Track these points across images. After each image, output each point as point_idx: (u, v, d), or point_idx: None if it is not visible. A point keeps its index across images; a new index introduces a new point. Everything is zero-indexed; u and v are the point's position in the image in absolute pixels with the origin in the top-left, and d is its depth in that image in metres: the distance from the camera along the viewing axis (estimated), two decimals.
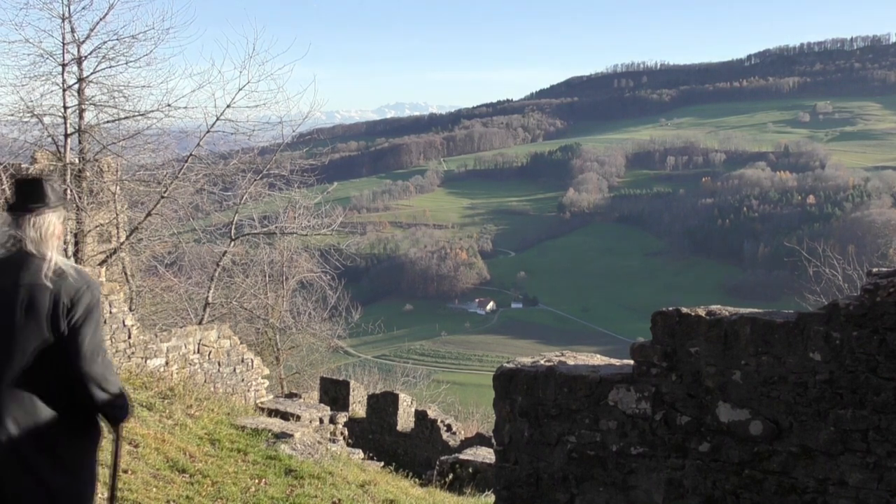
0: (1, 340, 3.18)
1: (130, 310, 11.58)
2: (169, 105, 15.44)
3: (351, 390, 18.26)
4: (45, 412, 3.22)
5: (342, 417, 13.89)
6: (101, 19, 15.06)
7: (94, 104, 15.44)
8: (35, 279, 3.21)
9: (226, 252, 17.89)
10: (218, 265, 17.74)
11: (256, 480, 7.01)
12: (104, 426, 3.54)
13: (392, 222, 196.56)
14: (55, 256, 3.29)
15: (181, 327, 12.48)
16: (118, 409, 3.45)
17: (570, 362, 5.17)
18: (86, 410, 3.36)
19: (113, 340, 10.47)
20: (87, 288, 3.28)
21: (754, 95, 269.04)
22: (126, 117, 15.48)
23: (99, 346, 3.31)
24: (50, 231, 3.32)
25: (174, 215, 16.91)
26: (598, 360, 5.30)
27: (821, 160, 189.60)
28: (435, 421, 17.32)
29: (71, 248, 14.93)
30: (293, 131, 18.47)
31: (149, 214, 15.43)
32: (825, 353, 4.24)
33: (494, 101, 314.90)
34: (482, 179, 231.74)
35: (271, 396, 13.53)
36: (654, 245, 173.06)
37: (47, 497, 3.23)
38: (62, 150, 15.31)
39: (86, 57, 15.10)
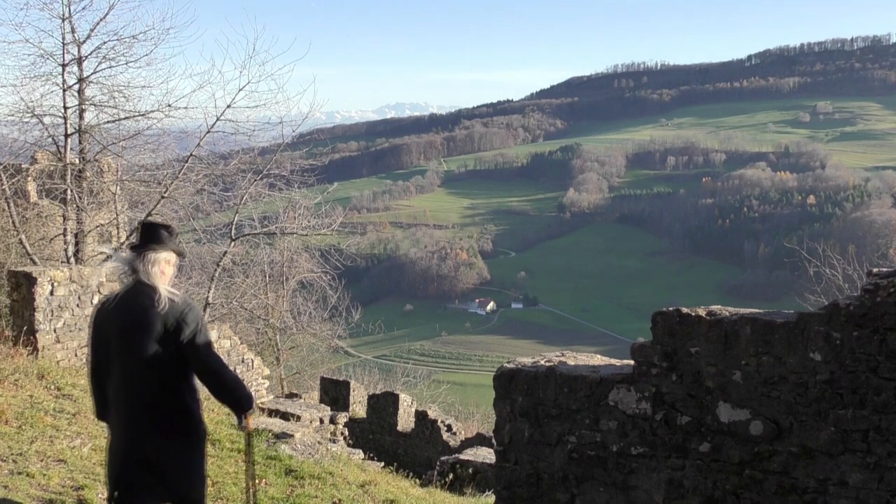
0: (124, 355, 4.04)
1: None
2: (169, 105, 15.45)
3: (351, 390, 18.25)
4: (166, 414, 4.07)
5: (342, 418, 13.88)
6: (101, 19, 15.08)
7: (94, 104, 15.44)
8: (148, 305, 4.01)
9: (226, 252, 17.89)
10: (218, 265, 17.74)
11: (257, 481, 7.02)
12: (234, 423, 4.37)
13: (392, 222, 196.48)
14: (163, 287, 4.08)
15: None
16: (237, 396, 4.21)
17: (571, 362, 5.17)
18: (189, 411, 4.18)
19: None
20: (189, 309, 4.11)
21: (754, 95, 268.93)
22: (126, 117, 15.48)
23: (210, 349, 4.15)
24: (160, 266, 4.14)
25: (174, 215, 16.89)
26: (598, 360, 5.30)
27: (821, 160, 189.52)
28: (435, 421, 17.31)
29: (71, 249, 14.92)
30: (293, 131, 18.46)
31: (149, 214, 15.40)
32: (825, 353, 4.24)
33: (495, 101, 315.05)
34: (482, 180, 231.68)
35: (271, 396, 13.53)
36: (654, 245, 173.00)
37: (158, 478, 4.06)
38: (62, 150, 15.31)
39: (86, 57, 15.11)
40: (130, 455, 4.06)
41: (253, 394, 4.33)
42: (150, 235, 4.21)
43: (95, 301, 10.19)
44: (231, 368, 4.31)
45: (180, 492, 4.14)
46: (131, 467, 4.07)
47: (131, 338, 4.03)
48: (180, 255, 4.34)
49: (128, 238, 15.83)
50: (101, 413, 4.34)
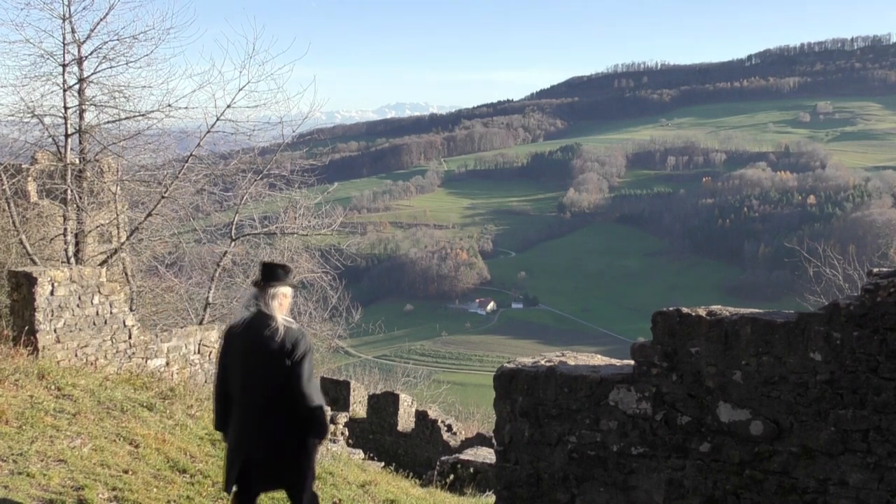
0: (253, 373, 4.86)
1: (131, 310, 11.58)
2: (169, 105, 15.42)
3: (351, 390, 18.24)
4: (281, 419, 4.82)
5: (343, 418, 13.89)
6: (101, 19, 15.06)
7: (94, 104, 15.42)
8: (268, 332, 4.83)
9: (226, 252, 17.86)
10: (218, 265, 17.71)
11: None
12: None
13: (392, 222, 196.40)
14: (280, 317, 4.91)
15: (182, 327, 12.48)
16: (318, 423, 4.92)
17: (571, 362, 5.18)
18: (298, 417, 4.84)
19: (113, 341, 10.47)
20: (301, 336, 4.92)
21: (755, 95, 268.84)
22: (126, 118, 15.47)
23: (311, 375, 4.86)
24: (279, 299, 4.96)
25: (175, 215, 16.88)
26: (598, 360, 5.31)
27: (821, 160, 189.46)
28: (435, 421, 17.30)
29: (71, 249, 14.93)
30: (293, 131, 18.41)
31: (149, 215, 15.41)
32: (826, 353, 4.24)
33: (495, 101, 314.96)
34: (482, 179, 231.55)
35: None
36: (655, 245, 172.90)
37: (272, 472, 4.86)
38: (63, 150, 15.30)
39: (86, 57, 15.09)
40: (250, 454, 4.84)
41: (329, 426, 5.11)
42: (269, 274, 5.04)
43: (95, 301, 10.21)
44: (322, 398, 5.03)
45: (292, 482, 4.93)
46: (250, 465, 4.84)
47: (253, 358, 4.86)
48: (294, 288, 5.19)
49: (128, 238, 15.85)
50: (220, 423, 5.12)
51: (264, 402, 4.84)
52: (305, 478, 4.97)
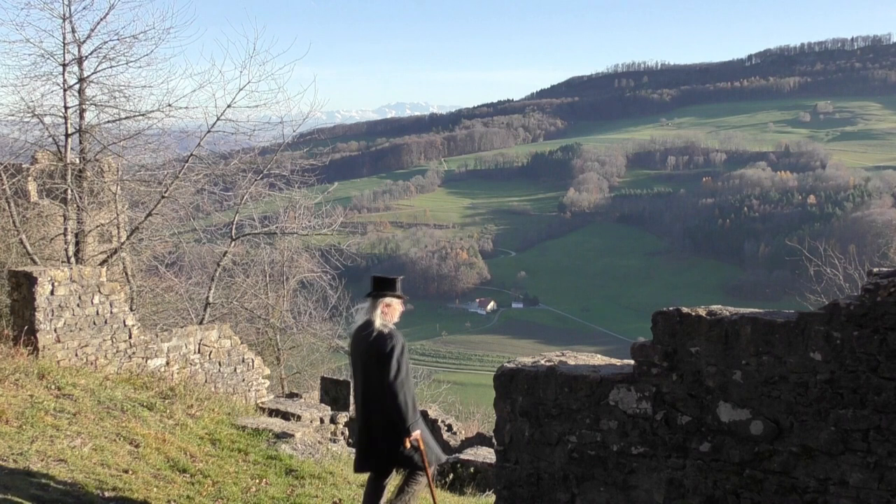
0: (358, 374, 5.73)
1: (131, 310, 11.58)
2: (169, 105, 15.44)
3: (352, 390, 18.18)
4: (384, 411, 5.50)
5: (343, 417, 13.84)
6: (101, 19, 15.08)
7: (94, 104, 15.43)
8: (368, 334, 5.62)
9: (226, 252, 17.88)
10: (218, 265, 17.74)
11: (257, 480, 7.02)
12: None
13: (393, 222, 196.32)
14: (378, 322, 5.65)
15: (182, 327, 12.48)
16: (399, 416, 5.46)
17: (571, 362, 5.18)
18: (399, 409, 5.45)
19: (114, 340, 10.47)
20: (390, 338, 5.57)
21: (755, 95, 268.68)
22: (127, 117, 15.48)
23: (399, 373, 5.49)
24: (381, 308, 5.69)
25: (175, 215, 16.90)
26: (598, 360, 5.31)
27: (821, 160, 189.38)
28: (436, 421, 17.27)
29: (72, 248, 14.93)
30: (293, 131, 18.46)
31: (149, 214, 15.42)
32: (826, 352, 4.24)
33: (495, 100, 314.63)
34: (483, 179, 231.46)
35: (272, 396, 13.53)
36: (655, 245, 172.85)
37: (383, 457, 5.61)
38: (63, 150, 15.30)
39: (86, 57, 15.10)
40: (365, 441, 5.61)
41: (413, 424, 5.51)
42: (376, 286, 5.83)
43: (96, 300, 10.22)
44: (410, 394, 5.59)
45: (381, 470, 5.67)
46: (366, 451, 5.63)
47: (359, 357, 5.70)
48: (400, 298, 5.83)
49: (128, 238, 15.87)
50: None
51: (366, 399, 5.62)
52: (387, 468, 5.67)
